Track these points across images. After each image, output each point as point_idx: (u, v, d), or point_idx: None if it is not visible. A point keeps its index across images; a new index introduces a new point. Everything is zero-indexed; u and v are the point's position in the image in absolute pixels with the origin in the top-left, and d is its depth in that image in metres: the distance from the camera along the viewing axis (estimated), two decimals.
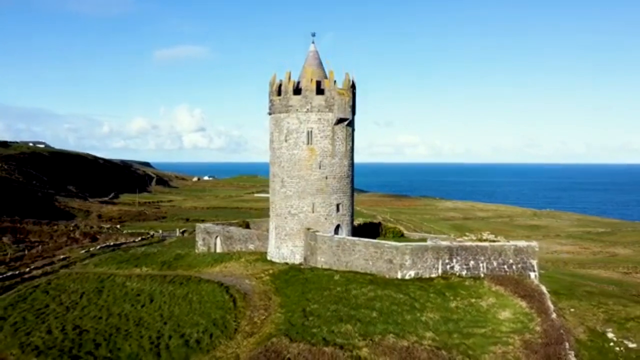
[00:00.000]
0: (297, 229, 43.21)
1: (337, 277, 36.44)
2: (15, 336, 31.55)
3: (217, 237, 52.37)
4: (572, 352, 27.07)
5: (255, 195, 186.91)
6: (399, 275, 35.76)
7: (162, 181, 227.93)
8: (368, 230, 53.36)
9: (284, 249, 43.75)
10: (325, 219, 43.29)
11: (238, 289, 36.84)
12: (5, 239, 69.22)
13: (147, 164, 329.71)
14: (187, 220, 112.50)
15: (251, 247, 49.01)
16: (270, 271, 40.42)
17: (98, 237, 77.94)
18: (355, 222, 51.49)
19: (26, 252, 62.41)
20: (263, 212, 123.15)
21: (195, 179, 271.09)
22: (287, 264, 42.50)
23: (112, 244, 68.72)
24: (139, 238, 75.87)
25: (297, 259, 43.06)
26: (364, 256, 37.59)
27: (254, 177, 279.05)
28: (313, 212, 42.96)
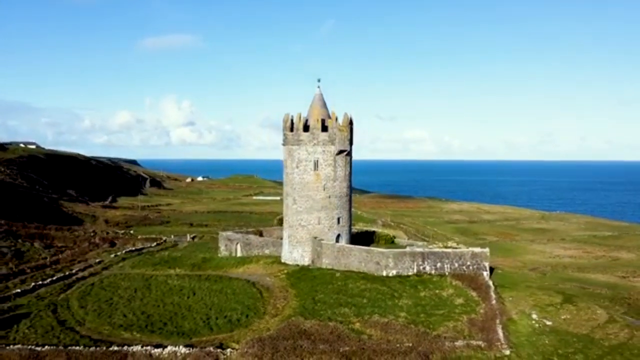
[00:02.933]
0: (306, 238, 60.05)
1: (337, 275, 53.50)
2: (100, 318, 47.49)
3: (237, 243, 69.25)
4: (501, 326, 43.80)
5: (254, 198, 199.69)
6: (384, 274, 52.67)
7: (156, 182, 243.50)
8: (364, 238, 70.51)
9: (295, 253, 60.58)
10: (329, 229, 60.14)
11: (262, 284, 53.65)
12: (36, 245, 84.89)
13: (133, 162, 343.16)
14: (192, 225, 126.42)
15: (267, 252, 65.88)
16: (285, 271, 57.27)
17: (116, 242, 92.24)
18: (354, 229, 68.31)
19: (60, 256, 78.29)
20: (264, 217, 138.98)
21: (189, 179, 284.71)
22: (298, 265, 59.37)
23: (134, 248, 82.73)
24: (154, 243, 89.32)
25: (306, 261, 59.95)
26: (358, 259, 54.50)
27: (250, 177, 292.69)
28: (319, 224, 59.86)
